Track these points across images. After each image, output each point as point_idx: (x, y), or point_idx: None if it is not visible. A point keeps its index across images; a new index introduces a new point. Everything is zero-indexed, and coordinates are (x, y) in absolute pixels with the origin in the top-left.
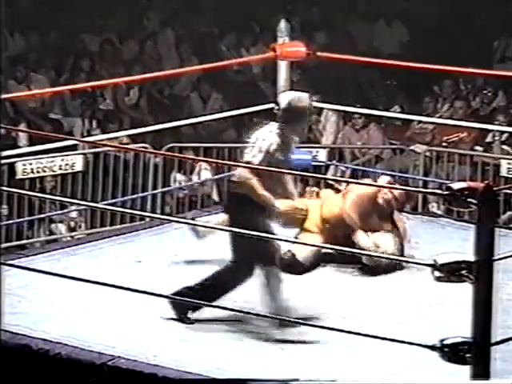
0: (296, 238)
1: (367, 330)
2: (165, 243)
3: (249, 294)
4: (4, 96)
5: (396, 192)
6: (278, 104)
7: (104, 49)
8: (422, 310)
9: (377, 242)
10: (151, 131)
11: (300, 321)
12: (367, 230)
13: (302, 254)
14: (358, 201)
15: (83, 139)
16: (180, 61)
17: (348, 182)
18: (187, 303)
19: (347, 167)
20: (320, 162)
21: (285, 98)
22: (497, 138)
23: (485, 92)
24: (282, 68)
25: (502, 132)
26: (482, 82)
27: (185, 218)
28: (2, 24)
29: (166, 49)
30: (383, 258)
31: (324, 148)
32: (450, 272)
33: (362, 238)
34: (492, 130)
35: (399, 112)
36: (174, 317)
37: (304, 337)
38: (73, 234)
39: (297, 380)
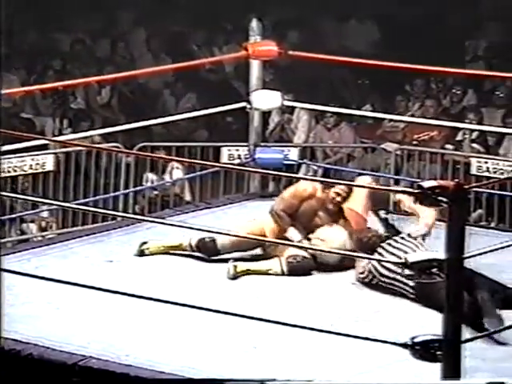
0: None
1: (338, 328)
2: (136, 243)
3: None
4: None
5: (339, 188)
6: (250, 103)
7: (75, 48)
8: (391, 307)
9: (321, 237)
10: (123, 130)
11: (270, 319)
12: (313, 228)
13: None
14: (287, 199)
15: (55, 139)
16: (152, 60)
17: (319, 181)
18: None
19: (319, 166)
20: (292, 161)
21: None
22: (467, 136)
23: (454, 91)
24: (255, 67)
25: (472, 130)
26: (452, 81)
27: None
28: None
29: (138, 48)
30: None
31: (296, 147)
32: (420, 270)
33: (293, 234)
34: (462, 129)
35: (371, 111)
36: (146, 315)
37: (277, 336)
38: (44, 233)
39: (274, 380)
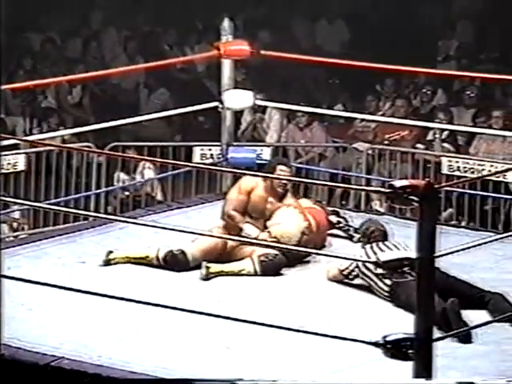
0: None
1: (310, 327)
2: (108, 243)
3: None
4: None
5: (282, 172)
6: (222, 102)
7: (45, 47)
8: (364, 306)
9: (277, 221)
10: (94, 130)
11: (243, 319)
12: (267, 215)
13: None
14: (235, 197)
15: (27, 138)
16: (124, 60)
17: (290, 181)
18: None
19: (291, 166)
20: (264, 160)
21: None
22: (437, 136)
23: (424, 91)
24: (226, 66)
25: (443, 130)
26: (423, 80)
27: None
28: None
29: (109, 48)
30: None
31: (268, 146)
32: (391, 269)
33: (249, 230)
34: (433, 128)
35: (342, 110)
36: (118, 316)
37: (250, 336)
38: (15, 234)
39: (241, 380)
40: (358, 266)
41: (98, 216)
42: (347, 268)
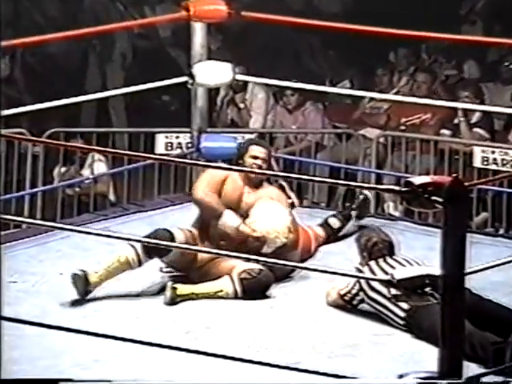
0: None
1: (305, 365)
2: (47, 257)
3: None
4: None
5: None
6: (193, 77)
7: None
8: (374, 338)
9: (260, 218)
10: (29, 112)
11: (218, 354)
12: (244, 210)
13: None
14: (207, 180)
15: None
16: (65, 22)
17: (279, 176)
18: None
19: (280, 157)
20: None
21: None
22: (462, 119)
23: (451, 62)
24: (198, 32)
25: (474, 111)
26: (449, 49)
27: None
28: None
29: (48, 9)
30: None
31: (251, 133)
32: (409, 289)
33: (229, 218)
34: (462, 110)
35: (348, 88)
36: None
37: (226, 376)
38: None
39: None
40: (362, 289)
41: (34, 223)
42: (349, 292)
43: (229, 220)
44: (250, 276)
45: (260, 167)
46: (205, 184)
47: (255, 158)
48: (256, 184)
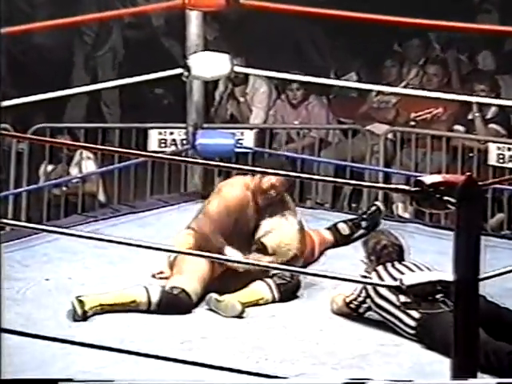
0: None
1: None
2: (33, 262)
3: None
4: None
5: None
6: (188, 69)
7: None
8: (381, 349)
9: (268, 230)
10: (13, 106)
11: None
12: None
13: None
14: (219, 217)
15: None
16: (52, 11)
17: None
18: None
19: (280, 155)
20: (246, 148)
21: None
22: (477, 114)
23: (465, 53)
24: (193, 20)
25: (489, 106)
26: (463, 39)
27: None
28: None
29: None
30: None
31: (251, 129)
32: (420, 296)
33: (229, 253)
34: (476, 104)
35: (355, 80)
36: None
37: None
38: None
39: None
40: (369, 296)
41: (18, 225)
42: (355, 299)
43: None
44: (286, 281)
45: (277, 194)
46: (216, 220)
47: (273, 186)
48: (271, 203)
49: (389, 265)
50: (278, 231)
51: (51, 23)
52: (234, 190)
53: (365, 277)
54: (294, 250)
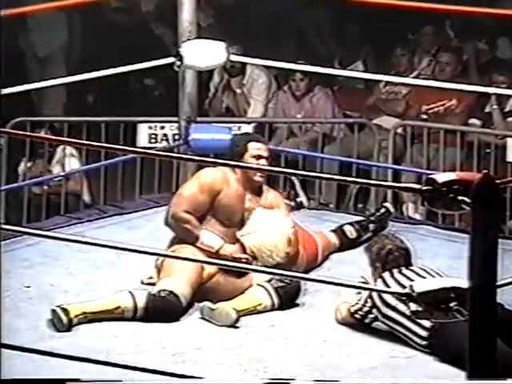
0: None
1: None
2: (13, 267)
3: None
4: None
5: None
6: (180, 58)
7: None
8: (389, 360)
9: (254, 229)
10: None
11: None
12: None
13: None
14: (192, 196)
15: None
16: None
17: (280, 173)
18: None
19: (282, 151)
20: None
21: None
22: (495, 106)
23: (482, 41)
24: (185, 6)
25: (508, 98)
26: (479, 25)
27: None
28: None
29: None
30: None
31: (249, 123)
32: (432, 304)
33: (209, 240)
34: (494, 95)
35: (361, 70)
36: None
37: None
38: None
39: None
40: (375, 306)
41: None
42: (360, 309)
43: (208, 241)
44: (285, 283)
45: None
46: (188, 199)
47: (259, 157)
48: (258, 189)
49: (396, 271)
50: (263, 233)
51: (28, 9)
52: (209, 171)
53: (366, 283)
54: (277, 257)
